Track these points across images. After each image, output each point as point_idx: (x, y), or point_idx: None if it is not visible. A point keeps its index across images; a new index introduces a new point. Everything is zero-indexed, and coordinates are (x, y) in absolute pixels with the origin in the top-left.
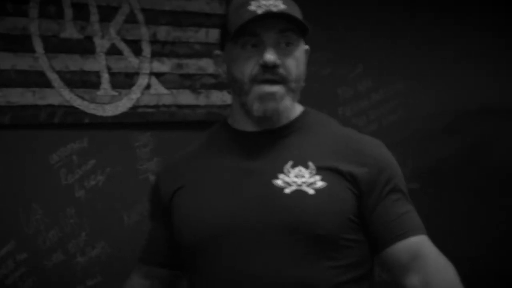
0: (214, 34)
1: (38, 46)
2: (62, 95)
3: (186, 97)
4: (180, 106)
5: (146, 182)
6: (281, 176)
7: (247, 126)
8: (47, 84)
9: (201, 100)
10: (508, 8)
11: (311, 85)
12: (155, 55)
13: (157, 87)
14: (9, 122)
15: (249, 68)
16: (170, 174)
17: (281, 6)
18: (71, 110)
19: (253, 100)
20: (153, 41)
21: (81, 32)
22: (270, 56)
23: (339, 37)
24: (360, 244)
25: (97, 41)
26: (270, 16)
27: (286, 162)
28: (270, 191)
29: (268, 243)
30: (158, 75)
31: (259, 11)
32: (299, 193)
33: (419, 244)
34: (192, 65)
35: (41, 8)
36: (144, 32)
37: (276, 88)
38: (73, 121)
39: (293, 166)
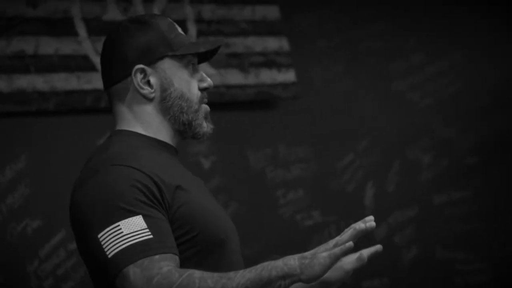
0: (260, 11)
1: (81, 29)
2: None
3: (234, 77)
4: (228, 86)
5: (197, 165)
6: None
7: (167, 138)
8: (92, 68)
9: (251, 79)
10: None
11: (362, 60)
12: (201, 34)
13: (205, 67)
14: (53, 108)
15: (196, 88)
16: (162, 169)
17: None
18: None
19: (202, 119)
20: (198, 20)
21: (124, 14)
22: (211, 81)
23: (390, 9)
24: None
25: None
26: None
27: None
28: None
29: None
30: None
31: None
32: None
33: None
34: (239, 44)
35: None
36: (188, 11)
37: None
38: None
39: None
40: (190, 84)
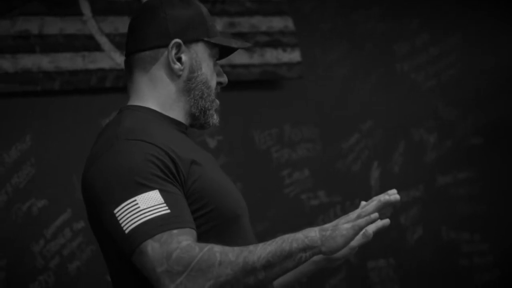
0: None
1: (86, 8)
2: (113, 58)
3: (239, 56)
4: (233, 66)
5: (203, 144)
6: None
7: (178, 117)
8: (97, 48)
9: (256, 59)
10: None
11: (366, 42)
12: None
13: None
14: (59, 88)
15: (215, 80)
16: (175, 144)
17: None
18: (123, 73)
19: (214, 110)
20: (203, 0)
21: None
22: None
23: None
24: None
25: None
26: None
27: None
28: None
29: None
30: None
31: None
32: None
33: None
34: (244, 23)
35: None
36: None
37: None
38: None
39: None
40: (212, 74)
